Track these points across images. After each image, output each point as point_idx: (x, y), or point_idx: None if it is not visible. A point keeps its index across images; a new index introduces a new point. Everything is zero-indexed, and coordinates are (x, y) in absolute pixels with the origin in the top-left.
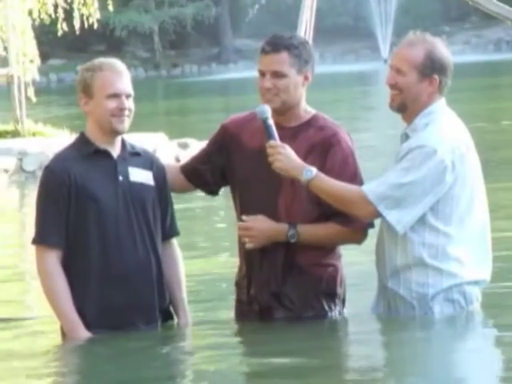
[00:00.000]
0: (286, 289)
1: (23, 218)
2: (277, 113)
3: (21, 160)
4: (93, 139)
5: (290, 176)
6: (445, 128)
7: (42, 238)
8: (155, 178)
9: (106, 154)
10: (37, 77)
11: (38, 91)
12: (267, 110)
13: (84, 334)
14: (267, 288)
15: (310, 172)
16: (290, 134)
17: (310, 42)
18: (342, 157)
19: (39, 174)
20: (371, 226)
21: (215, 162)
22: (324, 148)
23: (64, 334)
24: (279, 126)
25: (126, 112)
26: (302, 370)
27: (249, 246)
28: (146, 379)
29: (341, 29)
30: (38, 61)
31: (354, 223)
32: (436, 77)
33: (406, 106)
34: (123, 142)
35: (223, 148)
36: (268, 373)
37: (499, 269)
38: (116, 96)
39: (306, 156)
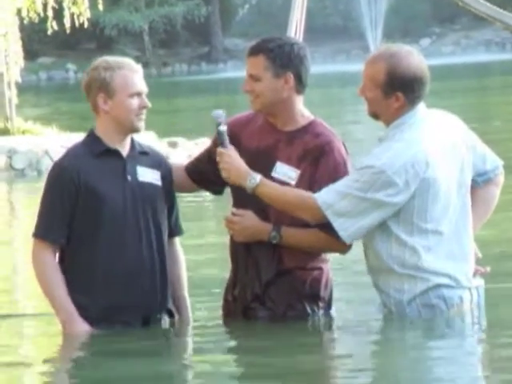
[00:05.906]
0: (269, 290)
1: (11, 215)
2: (266, 115)
3: (10, 158)
4: (104, 138)
5: (237, 184)
6: (403, 145)
7: (42, 233)
8: (163, 177)
9: (116, 154)
10: (19, 79)
11: (28, 89)
12: (221, 116)
13: (81, 325)
14: (251, 288)
15: (254, 179)
16: (286, 138)
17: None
18: (334, 165)
19: (28, 171)
20: None
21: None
22: (316, 155)
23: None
24: (276, 130)
25: (145, 110)
26: (288, 370)
27: (235, 238)
28: (144, 376)
29: (331, 29)
30: (21, 62)
31: None
32: (399, 94)
33: (378, 116)
34: (132, 141)
35: None
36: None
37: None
38: (138, 94)
39: (299, 161)
